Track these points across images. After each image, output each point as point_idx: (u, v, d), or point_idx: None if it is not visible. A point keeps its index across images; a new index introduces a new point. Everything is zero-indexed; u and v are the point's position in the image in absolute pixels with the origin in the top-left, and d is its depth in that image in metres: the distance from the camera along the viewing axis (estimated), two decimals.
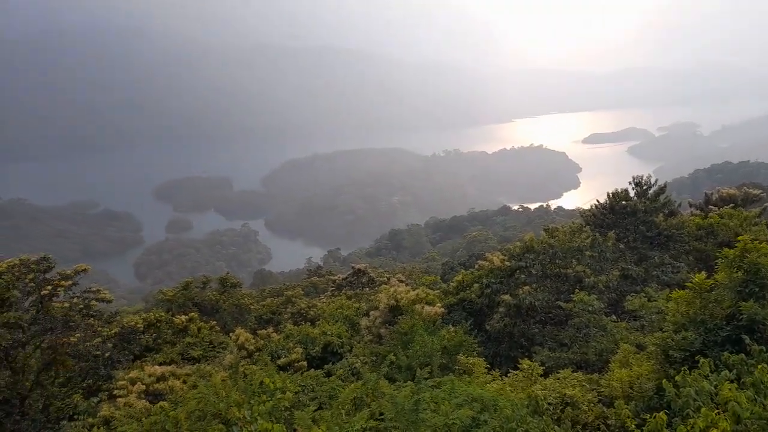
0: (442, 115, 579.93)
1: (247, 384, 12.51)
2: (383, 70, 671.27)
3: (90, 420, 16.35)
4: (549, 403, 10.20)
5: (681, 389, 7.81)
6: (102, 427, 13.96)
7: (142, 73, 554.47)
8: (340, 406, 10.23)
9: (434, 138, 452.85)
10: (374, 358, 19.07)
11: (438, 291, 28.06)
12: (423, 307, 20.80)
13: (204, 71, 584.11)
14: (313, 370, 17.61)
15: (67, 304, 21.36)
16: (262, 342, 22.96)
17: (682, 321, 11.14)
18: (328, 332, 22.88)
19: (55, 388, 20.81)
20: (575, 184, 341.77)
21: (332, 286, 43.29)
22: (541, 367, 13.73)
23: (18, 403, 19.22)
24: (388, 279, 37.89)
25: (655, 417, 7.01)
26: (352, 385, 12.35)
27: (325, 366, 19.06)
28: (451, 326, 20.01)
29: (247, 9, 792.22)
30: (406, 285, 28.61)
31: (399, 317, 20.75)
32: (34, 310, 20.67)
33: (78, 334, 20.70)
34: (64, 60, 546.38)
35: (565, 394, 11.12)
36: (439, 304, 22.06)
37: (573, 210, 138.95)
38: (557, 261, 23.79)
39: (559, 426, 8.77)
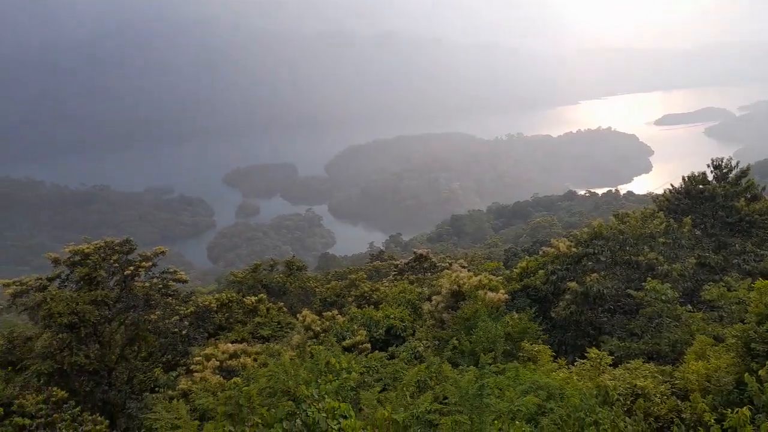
0: (503, 98, 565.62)
1: (313, 363, 12.94)
2: (442, 54, 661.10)
3: (170, 392, 17.44)
4: (619, 394, 9.93)
5: (765, 384, 7.40)
6: (181, 400, 14.86)
7: (213, 66, 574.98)
8: (404, 388, 10.40)
9: (496, 122, 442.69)
10: (437, 343, 19.19)
11: (501, 277, 27.69)
12: (486, 293, 20.63)
13: (269, 61, 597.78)
14: (377, 352, 17.94)
15: (147, 284, 22.81)
16: (327, 323, 23.58)
17: (766, 312, 10.50)
18: (391, 316, 23.18)
19: (138, 361, 22.35)
20: (646, 168, 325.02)
21: (394, 271, 43.59)
22: (610, 357, 13.35)
23: (106, 375, 20.81)
24: (450, 264, 37.73)
25: (737, 412, 6.70)
26: (416, 368, 12.50)
27: (389, 348, 19.36)
28: (514, 313, 19.77)
29: None
30: (468, 271, 28.44)
31: (461, 303, 20.69)
32: (118, 289, 22.23)
33: (158, 312, 22.10)
34: (143, 54, 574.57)
35: (635, 385, 10.78)
36: (502, 291, 21.81)
37: (644, 195, 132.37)
38: (628, 248, 22.87)
39: (630, 417, 8.54)
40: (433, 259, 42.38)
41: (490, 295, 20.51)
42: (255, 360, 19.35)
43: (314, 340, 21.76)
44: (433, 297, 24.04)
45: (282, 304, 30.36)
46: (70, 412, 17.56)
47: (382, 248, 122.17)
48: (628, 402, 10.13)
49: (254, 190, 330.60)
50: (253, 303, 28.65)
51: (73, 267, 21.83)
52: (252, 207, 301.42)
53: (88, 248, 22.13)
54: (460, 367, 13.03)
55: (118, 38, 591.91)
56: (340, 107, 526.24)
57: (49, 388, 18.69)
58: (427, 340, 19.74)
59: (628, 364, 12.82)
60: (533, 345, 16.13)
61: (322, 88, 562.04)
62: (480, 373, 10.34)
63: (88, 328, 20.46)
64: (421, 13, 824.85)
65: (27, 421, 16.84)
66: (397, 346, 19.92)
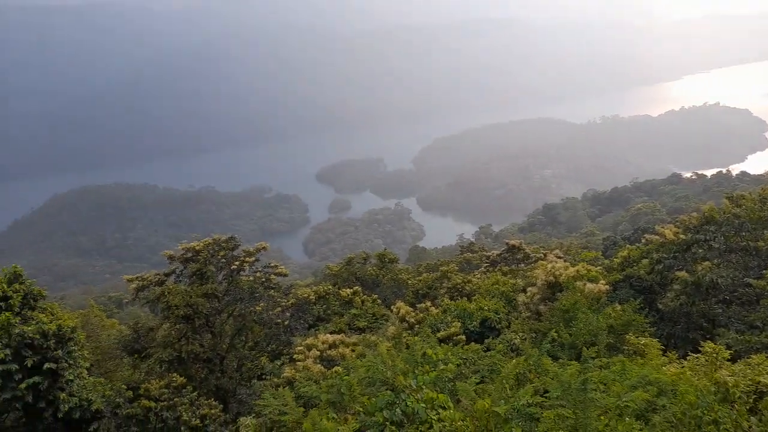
0: (597, 79, 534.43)
1: (410, 354, 13.16)
2: (529, 37, 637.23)
3: (275, 380, 18.47)
4: (741, 391, 9.21)
5: None
6: (286, 387, 15.68)
7: (304, 66, 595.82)
8: (503, 381, 10.30)
9: (588, 104, 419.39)
10: (534, 335, 18.75)
11: (600, 268, 26.47)
12: (585, 284, 19.83)
13: (354, 58, 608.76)
14: (472, 343, 17.86)
15: (251, 278, 24.26)
16: (421, 315, 23.79)
17: None
18: (485, 307, 22.94)
19: (246, 350, 23.87)
20: (762, 145, 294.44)
21: (486, 262, 42.95)
22: (728, 351, 12.38)
23: (218, 363, 22.42)
24: (545, 255, 36.56)
25: None
26: (514, 360, 12.33)
27: (485, 341, 19.20)
28: (617, 304, 18.85)
29: None
30: (564, 261, 27.43)
31: (558, 294, 20.05)
32: (226, 283, 23.84)
33: (262, 304, 23.44)
34: (244, 59, 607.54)
35: (759, 381, 9.94)
36: (602, 281, 20.84)
37: (762, 175, 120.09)
38: (744, 233, 21.00)
39: (754, 416, 7.91)
40: (526, 250, 41.24)
41: (590, 286, 19.69)
42: (353, 350, 19.96)
43: (409, 331, 22.05)
44: (528, 289, 23.48)
45: (376, 296, 31.01)
46: (188, 396, 19.16)
47: (472, 240, 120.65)
48: (751, 400, 9.38)
49: (345, 186, 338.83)
50: (348, 295, 29.53)
51: (186, 263, 23.71)
52: (344, 202, 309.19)
53: (198, 245, 23.93)
54: (561, 360, 12.67)
55: (217, 46, 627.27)
56: (427, 99, 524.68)
57: (170, 374, 20.48)
58: (523, 332, 19.34)
59: (750, 359, 11.83)
60: (639, 338, 15.31)
61: (409, 80, 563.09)
62: (582, 367, 10.00)
63: (202, 320, 22.15)
64: None
65: (152, 404, 18.58)
66: (492, 338, 19.71)
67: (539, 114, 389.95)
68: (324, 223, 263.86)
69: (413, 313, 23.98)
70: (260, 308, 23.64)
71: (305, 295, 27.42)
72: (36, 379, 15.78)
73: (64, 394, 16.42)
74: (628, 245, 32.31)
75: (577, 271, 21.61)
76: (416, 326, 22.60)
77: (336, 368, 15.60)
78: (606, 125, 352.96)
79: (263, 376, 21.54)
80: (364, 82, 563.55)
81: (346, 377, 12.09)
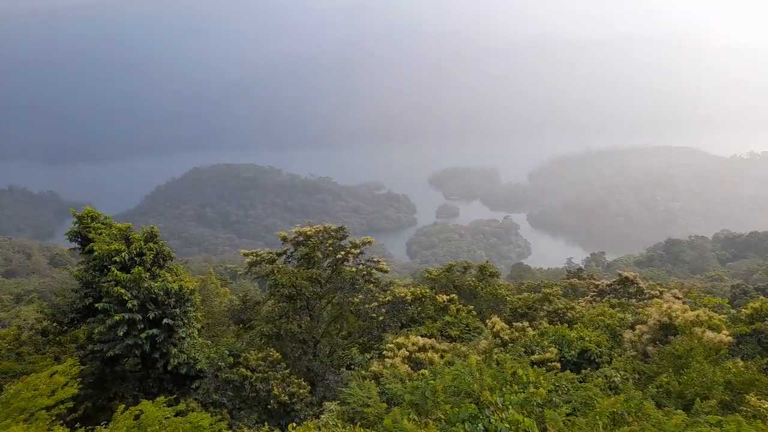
0: (752, 109, 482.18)
1: (499, 371, 12.83)
2: (679, 58, 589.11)
3: (363, 372, 18.87)
4: None
5: None
6: (372, 381, 15.98)
7: (430, 71, 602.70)
8: (597, 417, 9.72)
9: (738, 136, 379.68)
10: (637, 376, 17.46)
11: (724, 316, 23.95)
12: (704, 332, 18.10)
13: (479, 66, 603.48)
14: (567, 372, 17.01)
15: (354, 269, 24.99)
16: (516, 334, 23.07)
17: None
18: (586, 338, 21.70)
19: (339, 339, 24.65)
20: None
21: (593, 291, 40.64)
22: None
23: (312, 345, 23.39)
24: (661, 293, 33.80)
25: None
26: (612, 398, 11.58)
27: (581, 372, 18.20)
28: (739, 359, 16.97)
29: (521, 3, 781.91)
30: (683, 303, 25.17)
31: (672, 337, 18.47)
32: (330, 270, 24.79)
33: (360, 296, 24.07)
34: (367, 60, 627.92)
35: None
36: (725, 332, 18.87)
37: None
38: None
39: None
40: (641, 285, 38.40)
41: (709, 334, 17.93)
42: (442, 357, 19.86)
43: (501, 348, 21.49)
44: (638, 326, 21.89)
45: (472, 307, 30.55)
46: (281, 372, 20.20)
47: (581, 266, 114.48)
48: None
49: (455, 192, 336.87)
50: (444, 302, 29.38)
51: (297, 246, 25.01)
52: (452, 208, 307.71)
53: (310, 231, 25.12)
54: (666, 408, 11.68)
55: (347, 47, 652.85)
56: (550, 113, 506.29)
57: (268, 348, 21.71)
58: (625, 371, 18.05)
59: None
60: (762, 401, 13.66)
61: (534, 93, 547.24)
62: (691, 421, 9.15)
63: (303, 302, 23.24)
64: (658, 12, 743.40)
65: (249, 373, 19.83)
66: (590, 371, 18.62)
67: (677, 142, 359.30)
68: (429, 227, 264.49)
69: (508, 331, 23.32)
70: (358, 300, 24.28)
71: (402, 295, 27.69)
72: (154, 331, 17.51)
73: (175, 350, 18.05)
74: (761, 296, 28.89)
75: (698, 315, 19.76)
76: (509, 344, 21.95)
77: (423, 371, 15.61)
78: (755, 161, 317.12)
79: (352, 366, 22.10)
80: (489, 92, 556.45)
81: (432, 382, 12.07)
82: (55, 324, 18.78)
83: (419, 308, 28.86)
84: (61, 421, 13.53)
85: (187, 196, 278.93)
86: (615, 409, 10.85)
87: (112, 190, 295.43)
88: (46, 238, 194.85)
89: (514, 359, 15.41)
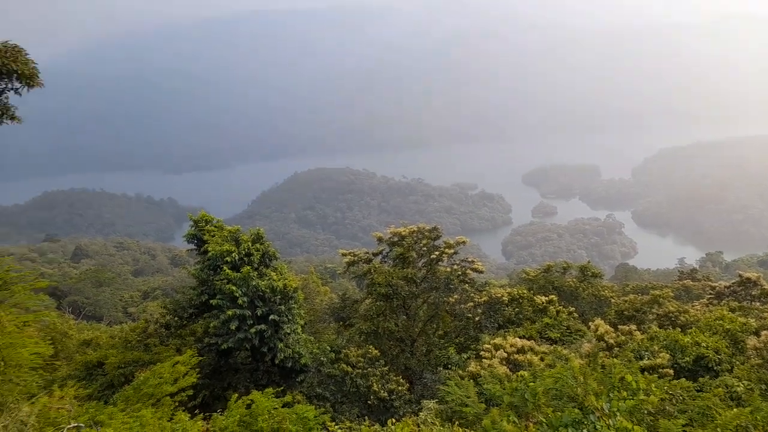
0: None
1: (605, 376, 12.26)
2: None
3: (460, 372, 18.84)
4: None
5: None
6: (470, 381, 15.91)
7: (513, 69, 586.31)
8: (718, 430, 9.03)
9: None
10: (764, 387, 15.93)
11: None
12: None
13: (571, 59, 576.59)
14: (683, 380, 15.91)
15: (449, 269, 24.97)
16: (622, 338, 21.90)
17: None
18: (703, 344, 20.11)
19: (436, 338, 24.74)
20: None
21: (710, 294, 37.57)
22: None
23: (409, 344, 23.69)
24: None
25: None
26: (735, 410, 10.68)
27: (698, 380, 16.93)
28: None
29: None
30: None
31: None
32: (425, 270, 24.96)
33: (455, 296, 24.02)
34: (458, 59, 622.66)
35: None
36: None
37: None
38: None
39: None
40: (766, 287, 34.88)
41: None
42: (541, 359, 19.32)
43: (606, 352, 20.49)
44: (763, 332, 19.93)
45: (573, 309, 29.39)
46: (380, 369, 20.67)
47: (694, 266, 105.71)
48: None
49: (553, 191, 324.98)
50: (543, 303, 28.51)
51: (392, 246, 25.46)
52: (549, 207, 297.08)
53: (404, 231, 25.48)
54: None
55: (436, 47, 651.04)
56: (653, 105, 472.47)
57: (367, 345, 22.30)
58: (749, 380, 16.53)
59: None
60: None
61: (634, 84, 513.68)
62: None
63: (399, 301, 23.61)
64: None
65: (349, 369, 20.49)
66: (708, 380, 17.26)
67: None
68: (526, 227, 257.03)
69: (613, 334, 22.19)
70: (453, 300, 24.24)
71: (498, 295, 27.24)
72: (262, 326, 18.62)
73: (281, 344, 19.09)
74: None
75: None
76: (615, 348, 20.89)
77: (522, 373, 15.31)
78: None
79: (449, 366, 22.12)
80: (585, 85, 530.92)
81: (532, 384, 11.82)
82: (176, 318, 20.58)
83: (516, 309, 28.22)
84: (183, 407, 14.78)
85: (289, 199, 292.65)
86: (739, 422, 10.01)
87: (222, 195, 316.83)
88: (168, 241, 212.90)
89: (622, 364, 14.64)
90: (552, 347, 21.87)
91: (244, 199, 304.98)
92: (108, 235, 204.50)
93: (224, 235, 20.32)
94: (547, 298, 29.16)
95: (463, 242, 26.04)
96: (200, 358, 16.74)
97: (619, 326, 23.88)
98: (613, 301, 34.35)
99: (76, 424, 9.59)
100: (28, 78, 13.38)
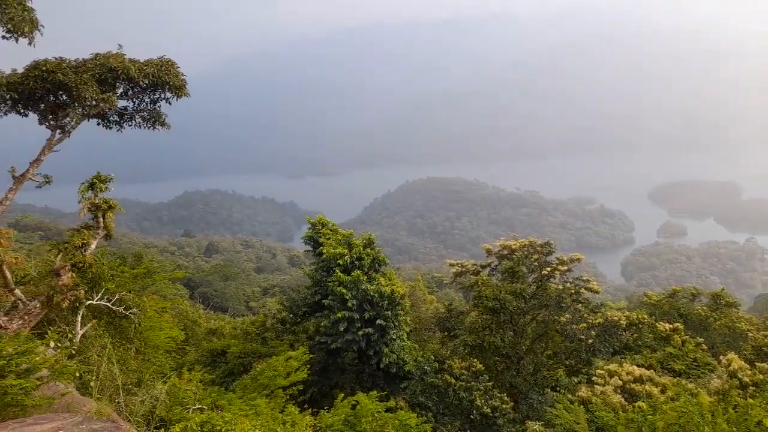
0: None
1: (740, 417, 11.11)
2: None
3: (569, 396, 17.98)
4: None
5: None
6: (580, 406, 15.16)
7: (641, 77, 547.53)
8: None
9: None
10: None
11: None
12: None
13: (708, 68, 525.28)
14: None
15: (560, 287, 23.95)
16: (761, 377, 19.58)
17: None
18: None
19: (544, 358, 23.80)
20: None
21: None
22: None
23: (515, 361, 23.04)
24: None
25: None
26: None
27: None
28: None
29: None
30: None
31: None
32: (534, 286, 24.15)
33: (567, 316, 22.96)
34: (576, 67, 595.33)
35: None
36: None
37: None
38: None
39: None
40: None
41: None
42: (663, 392, 17.87)
43: (740, 391, 18.44)
44: None
45: (701, 340, 26.79)
46: (484, 384, 20.34)
47: None
48: None
49: (682, 209, 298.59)
50: (666, 330, 26.30)
51: (501, 259, 24.97)
52: (677, 227, 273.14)
53: (514, 245, 24.88)
54: None
55: (551, 55, 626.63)
56: None
57: (471, 358, 22.05)
58: None
59: None
60: None
61: None
62: None
63: (506, 316, 23.06)
64: None
65: (453, 381, 20.40)
66: None
67: None
68: (650, 247, 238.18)
69: (749, 372, 19.90)
70: (564, 319, 23.20)
71: (615, 318, 25.57)
72: (369, 330, 19.17)
73: (387, 349, 19.50)
74: None
75: None
76: (751, 388, 18.72)
77: (640, 404, 14.27)
78: None
79: (557, 388, 21.18)
80: (721, 96, 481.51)
81: (651, 417, 11.04)
82: (291, 315, 21.85)
83: (635, 335, 26.30)
84: (293, 401, 15.65)
85: (400, 207, 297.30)
86: None
87: (338, 200, 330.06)
88: (287, 241, 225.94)
89: (761, 406, 13.12)
90: (675, 380, 20.13)
91: (358, 205, 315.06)
92: (236, 234, 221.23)
93: (338, 239, 21.24)
94: (671, 326, 26.88)
95: (578, 259, 24.85)
96: (311, 355, 17.62)
97: (757, 363, 21.37)
98: (750, 335, 30.76)
99: (200, 406, 10.51)
100: (178, 89, 15.01)
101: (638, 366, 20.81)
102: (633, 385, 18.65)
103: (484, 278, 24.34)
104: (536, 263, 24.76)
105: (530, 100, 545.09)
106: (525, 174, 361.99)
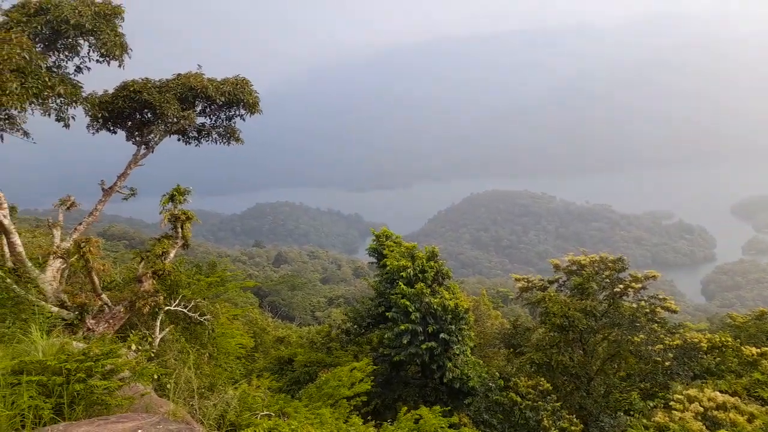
0: None
1: None
2: None
3: (644, 421, 17.06)
4: None
5: None
6: None
7: (717, 84, 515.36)
8: None
9: None
10: None
11: None
12: None
13: None
14: None
15: (634, 305, 22.84)
16: None
17: None
18: None
19: (616, 379, 22.72)
20: None
21: None
22: None
23: (585, 382, 22.14)
24: None
25: None
26: None
27: None
28: None
29: None
30: None
31: None
32: (606, 304, 23.18)
33: (641, 336, 21.82)
34: (647, 79, 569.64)
35: None
36: None
37: None
38: None
39: None
40: None
41: None
42: (749, 421, 16.58)
43: None
44: None
45: None
46: (551, 404, 19.68)
47: None
48: None
49: None
50: (753, 355, 24.39)
51: (570, 275, 24.17)
52: (765, 244, 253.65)
53: (584, 260, 24.02)
54: None
55: (623, 67, 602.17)
56: None
57: (537, 377, 21.41)
58: None
59: None
60: None
61: None
62: None
63: (576, 334, 22.25)
64: None
65: (519, 399, 19.87)
66: None
67: None
68: (734, 264, 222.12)
69: None
70: (639, 340, 22.06)
71: (695, 340, 24.02)
72: (433, 343, 19.06)
73: (450, 364, 19.30)
74: None
75: None
76: None
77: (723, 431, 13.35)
78: None
79: (631, 412, 20.13)
80: None
81: None
82: (355, 326, 22.09)
83: (718, 359, 24.59)
84: (357, 412, 15.79)
85: (464, 220, 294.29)
86: None
87: (402, 213, 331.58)
88: (352, 253, 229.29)
89: None
90: (764, 408, 18.65)
91: (422, 218, 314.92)
92: (303, 245, 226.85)
93: (401, 251, 21.34)
94: (759, 351, 24.92)
95: (654, 277, 23.63)
96: (374, 367, 17.74)
97: None
98: None
99: (267, 413, 10.85)
100: (252, 106, 15.80)
101: (721, 392, 19.44)
102: (715, 413, 17.42)
103: (552, 294, 23.64)
104: (608, 280, 23.78)
105: (605, 111, 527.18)
106: (596, 188, 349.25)
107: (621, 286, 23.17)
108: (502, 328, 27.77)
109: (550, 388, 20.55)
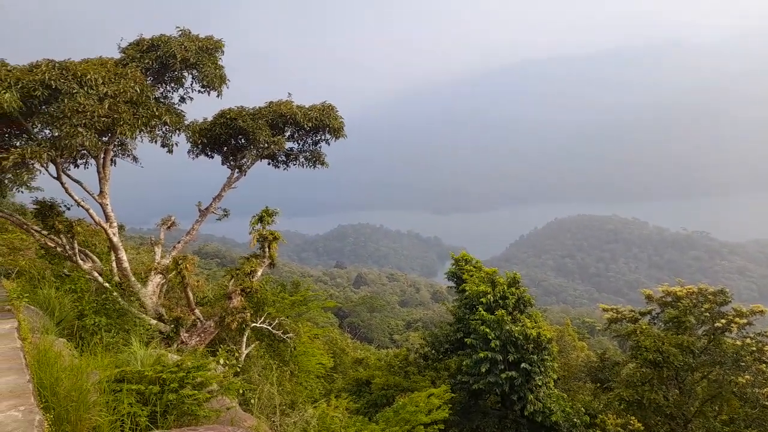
0: None
1: None
2: None
3: None
4: None
5: None
6: None
7: None
8: None
9: None
10: None
11: None
12: None
13: None
14: None
15: (739, 342, 20.90)
16: None
17: None
18: None
19: (717, 423, 20.78)
20: None
21: None
22: None
23: (682, 424, 20.45)
24: None
25: None
26: None
27: None
28: None
29: None
30: None
31: None
32: (705, 340, 21.39)
33: (747, 377, 19.90)
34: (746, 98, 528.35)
35: None
36: None
37: None
38: None
39: None
40: None
41: None
42: None
43: None
44: None
45: None
46: None
47: None
48: None
49: None
50: None
51: (664, 307, 22.59)
52: None
53: (680, 291, 22.39)
54: None
55: (716, 88, 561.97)
56: None
57: (628, 415, 20.06)
58: None
59: None
60: None
61: None
62: None
63: (671, 371, 20.68)
64: None
65: None
66: None
67: None
68: None
69: None
70: (744, 381, 20.11)
71: None
72: (513, 373, 18.45)
73: (531, 396, 18.56)
74: None
75: None
76: None
77: None
78: None
79: None
80: None
81: None
82: (433, 351, 21.88)
83: None
84: None
85: (548, 246, 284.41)
86: None
87: (482, 237, 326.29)
88: (431, 276, 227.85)
89: None
90: None
91: (503, 242, 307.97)
92: (382, 266, 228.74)
93: (481, 276, 20.99)
94: None
95: (761, 312, 21.54)
96: (452, 394, 17.43)
97: None
98: None
99: None
100: (336, 131, 16.43)
101: None
102: None
103: (644, 327, 22.18)
104: (707, 314, 21.96)
105: (704, 130, 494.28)
106: (693, 213, 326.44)
107: (723, 320, 21.31)
108: (588, 361, 26.38)
109: (642, 428, 19.17)
